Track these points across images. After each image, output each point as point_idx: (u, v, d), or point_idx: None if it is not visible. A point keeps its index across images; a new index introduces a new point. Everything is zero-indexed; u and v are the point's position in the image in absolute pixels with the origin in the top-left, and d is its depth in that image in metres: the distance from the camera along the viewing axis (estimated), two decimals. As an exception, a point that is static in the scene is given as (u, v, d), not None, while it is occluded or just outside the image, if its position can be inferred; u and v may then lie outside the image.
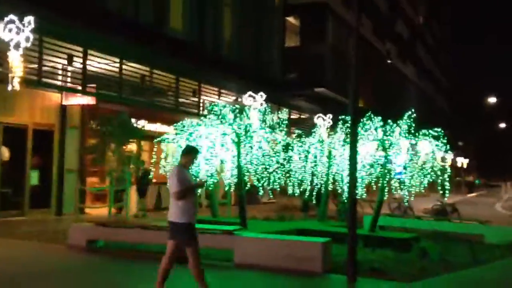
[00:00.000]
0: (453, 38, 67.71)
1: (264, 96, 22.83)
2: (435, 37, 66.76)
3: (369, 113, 12.47)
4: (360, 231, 12.44)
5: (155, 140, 13.97)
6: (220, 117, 12.02)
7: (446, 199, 13.48)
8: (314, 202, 15.50)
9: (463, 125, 68.19)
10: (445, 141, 12.11)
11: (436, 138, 12.19)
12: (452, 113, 67.10)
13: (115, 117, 13.16)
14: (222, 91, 22.07)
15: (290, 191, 18.10)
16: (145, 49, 16.80)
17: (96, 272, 8.68)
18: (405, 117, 12.24)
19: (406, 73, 55.62)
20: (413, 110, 12.25)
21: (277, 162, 12.09)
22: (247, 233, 9.08)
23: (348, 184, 12.92)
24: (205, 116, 12.37)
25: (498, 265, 10.66)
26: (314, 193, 14.80)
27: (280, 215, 17.55)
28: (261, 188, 12.18)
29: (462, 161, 76.11)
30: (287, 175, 14.53)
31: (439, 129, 12.18)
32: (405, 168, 12.31)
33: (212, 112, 12.15)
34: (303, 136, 15.49)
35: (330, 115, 16.24)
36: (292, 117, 32.26)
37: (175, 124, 13.55)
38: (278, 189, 13.12)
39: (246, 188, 12.23)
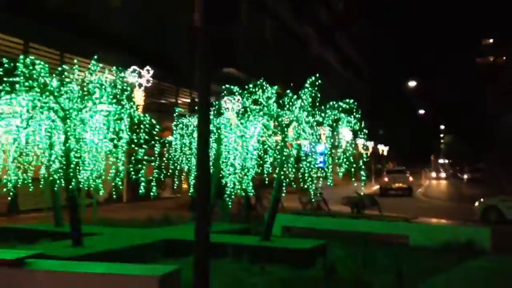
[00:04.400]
0: (376, 25, 66.61)
1: (151, 71, 19.41)
2: (357, 25, 65.33)
3: (261, 81, 9.24)
4: (248, 240, 9.29)
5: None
6: (33, 79, 7.95)
7: (363, 190, 10.58)
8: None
9: (385, 113, 67.47)
10: (358, 115, 9.10)
11: (348, 112, 9.16)
12: (373, 101, 66.12)
13: None
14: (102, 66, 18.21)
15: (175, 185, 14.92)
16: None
17: None
18: (307, 85, 9.10)
19: (328, 61, 53.54)
20: (317, 75, 9.14)
21: (118, 148, 8.48)
22: (44, 262, 5.58)
23: (230, 176, 9.87)
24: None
25: None
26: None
27: (166, 216, 14.12)
28: (100, 185, 8.63)
29: (383, 149, 75.79)
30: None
31: (351, 101, 9.15)
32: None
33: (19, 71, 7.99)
34: (186, 116, 12.13)
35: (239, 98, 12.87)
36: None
37: None
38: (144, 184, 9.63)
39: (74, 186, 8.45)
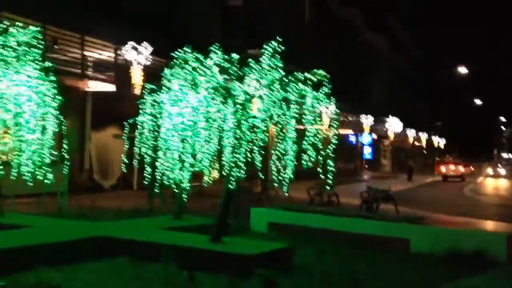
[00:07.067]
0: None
1: (150, 48, 18.02)
2: (408, 6, 61.96)
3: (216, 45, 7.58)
4: (192, 241, 7.68)
5: None
6: None
7: (328, 187, 8.80)
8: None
9: (438, 102, 63.68)
10: (327, 89, 7.26)
11: (317, 84, 7.34)
12: (427, 89, 62.46)
13: None
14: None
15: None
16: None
17: None
18: (267, 52, 7.34)
19: (376, 45, 50.75)
20: (278, 39, 7.39)
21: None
22: None
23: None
24: None
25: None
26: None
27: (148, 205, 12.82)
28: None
29: (438, 141, 71.67)
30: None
31: (320, 72, 7.32)
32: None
33: None
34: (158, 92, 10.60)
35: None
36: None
37: None
38: None
39: None
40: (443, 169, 43.50)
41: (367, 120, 42.71)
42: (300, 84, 7.29)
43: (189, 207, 12.32)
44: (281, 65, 7.34)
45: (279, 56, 7.36)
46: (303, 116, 7.20)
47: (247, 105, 7.24)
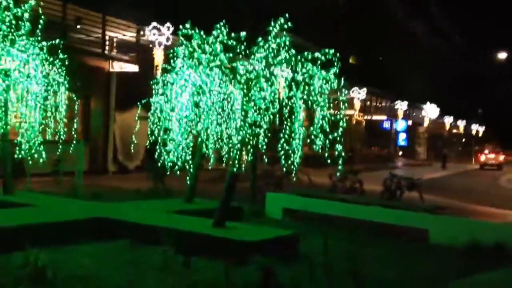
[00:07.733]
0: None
1: (172, 28, 17.76)
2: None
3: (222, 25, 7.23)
4: (194, 225, 7.42)
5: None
6: None
7: (338, 173, 8.40)
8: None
9: (477, 88, 61.62)
10: (336, 70, 6.82)
11: (327, 64, 6.92)
12: (466, 75, 60.44)
13: None
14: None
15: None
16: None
17: None
18: (274, 28, 6.96)
19: (415, 31, 49.36)
20: (286, 16, 6.99)
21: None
22: None
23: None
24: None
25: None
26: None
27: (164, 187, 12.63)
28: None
29: (477, 129, 69.56)
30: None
31: (331, 51, 6.88)
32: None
33: None
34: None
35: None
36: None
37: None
38: None
39: None
40: (481, 157, 44.60)
41: (401, 106, 41.80)
42: (309, 64, 6.90)
43: (208, 190, 12.13)
44: (288, 43, 6.95)
45: (286, 34, 6.98)
46: (310, 97, 6.81)
47: (252, 84, 6.90)
